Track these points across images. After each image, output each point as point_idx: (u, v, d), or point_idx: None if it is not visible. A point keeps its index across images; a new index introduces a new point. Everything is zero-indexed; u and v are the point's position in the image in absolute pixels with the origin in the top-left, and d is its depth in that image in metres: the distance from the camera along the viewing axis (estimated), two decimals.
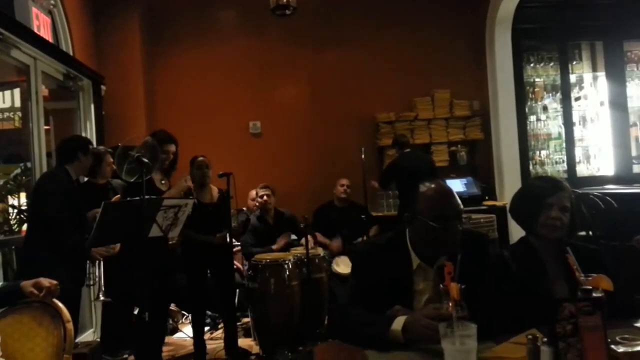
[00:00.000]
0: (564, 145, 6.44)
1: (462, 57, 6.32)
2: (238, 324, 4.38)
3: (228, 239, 3.99)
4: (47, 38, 4.25)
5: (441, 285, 1.51)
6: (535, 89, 6.52)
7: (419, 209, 1.75)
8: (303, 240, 4.16)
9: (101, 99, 5.17)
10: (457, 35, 6.30)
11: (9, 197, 4.63)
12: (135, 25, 5.76)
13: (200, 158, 4.05)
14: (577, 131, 6.48)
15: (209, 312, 4.66)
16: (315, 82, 6.28)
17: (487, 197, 5.91)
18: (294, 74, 6.29)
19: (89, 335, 4.27)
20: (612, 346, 1.28)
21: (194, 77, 6.15)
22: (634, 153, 6.55)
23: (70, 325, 1.95)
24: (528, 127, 6.39)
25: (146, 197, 2.93)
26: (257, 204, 4.79)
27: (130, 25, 5.73)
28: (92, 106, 5.06)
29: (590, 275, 1.65)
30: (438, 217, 1.70)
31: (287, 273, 3.85)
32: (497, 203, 5.78)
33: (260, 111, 6.24)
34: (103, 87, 5.22)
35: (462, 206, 1.76)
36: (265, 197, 4.68)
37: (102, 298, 3.30)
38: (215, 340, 4.36)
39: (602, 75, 6.55)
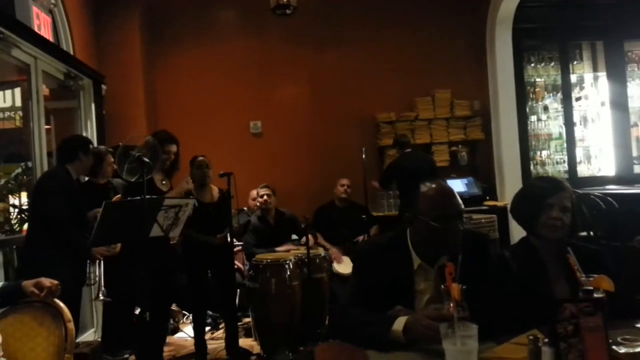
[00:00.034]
0: (564, 145, 6.44)
1: (462, 57, 6.32)
2: (239, 324, 4.39)
3: (229, 239, 3.99)
4: (47, 37, 4.25)
5: (442, 286, 1.51)
6: (536, 89, 6.51)
7: (420, 209, 1.75)
8: (304, 240, 4.15)
9: (102, 98, 5.17)
10: (458, 35, 6.30)
11: (10, 196, 4.64)
12: (136, 25, 5.76)
13: (200, 158, 4.05)
14: (578, 131, 6.47)
15: (209, 312, 4.66)
16: (316, 81, 6.27)
17: (487, 197, 5.91)
18: (294, 73, 6.29)
19: (90, 335, 4.27)
20: (613, 347, 1.28)
21: (194, 76, 6.15)
22: (634, 153, 6.54)
23: (71, 325, 1.95)
24: (529, 127, 6.38)
25: (147, 196, 2.93)
26: (258, 204, 4.79)
27: (130, 24, 5.73)
28: (93, 105, 5.06)
29: (591, 275, 1.65)
30: (439, 217, 1.70)
31: (288, 273, 3.85)
32: (498, 203, 5.78)
33: (261, 111, 6.24)
34: (104, 87, 5.22)
35: (463, 206, 1.76)
36: (265, 197, 4.68)
37: (101, 298, 3.30)
38: (216, 340, 4.36)
39: (602, 75, 6.54)
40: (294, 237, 4.81)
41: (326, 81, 6.24)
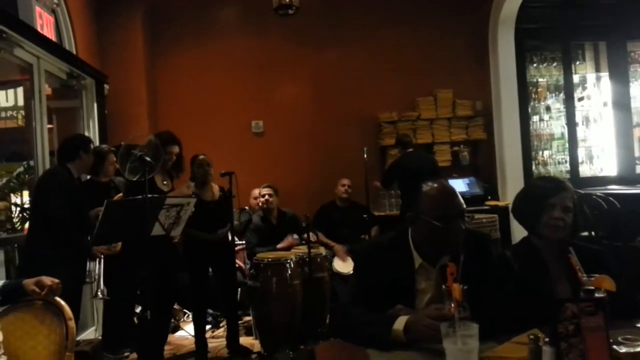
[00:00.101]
0: (566, 145, 6.43)
1: (464, 57, 6.31)
2: (240, 322, 4.39)
3: (230, 237, 3.99)
4: (50, 37, 4.26)
5: (443, 286, 1.51)
6: (538, 89, 6.50)
7: (422, 209, 1.74)
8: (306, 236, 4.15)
9: (104, 97, 5.18)
10: (460, 34, 6.29)
11: (12, 195, 4.64)
12: (138, 24, 5.77)
13: (201, 156, 4.06)
14: (580, 131, 6.46)
15: (210, 311, 4.67)
16: (318, 81, 6.27)
17: (489, 197, 5.90)
18: (296, 73, 6.29)
19: (91, 333, 4.28)
20: (614, 347, 1.28)
21: (196, 76, 6.16)
22: (637, 153, 6.53)
23: (72, 323, 1.95)
24: (531, 127, 6.38)
25: (149, 195, 2.93)
26: (260, 203, 4.79)
27: (133, 24, 5.74)
28: (95, 105, 5.08)
29: (592, 275, 1.64)
30: (441, 216, 1.70)
31: (289, 272, 3.85)
32: (500, 203, 5.77)
33: (263, 110, 6.24)
34: (106, 86, 5.23)
35: (465, 205, 1.76)
36: (267, 197, 4.68)
37: (100, 296, 3.31)
38: (216, 339, 4.36)
39: (605, 75, 6.53)
40: (296, 237, 4.81)
41: (328, 81, 6.24)
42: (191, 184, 3.95)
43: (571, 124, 6.41)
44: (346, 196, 5.27)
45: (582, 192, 4.80)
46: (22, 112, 5.21)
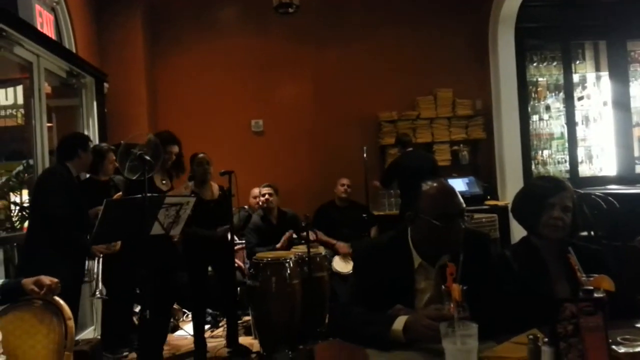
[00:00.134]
0: (566, 145, 6.43)
1: (464, 56, 6.31)
2: (239, 322, 4.39)
3: (230, 237, 3.99)
4: (50, 35, 4.26)
5: (443, 286, 1.51)
6: (538, 89, 6.50)
7: (422, 208, 1.74)
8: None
9: (104, 96, 5.18)
10: (460, 34, 6.29)
11: (11, 194, 4.64)
12: (138, 24, 5.77)
13: (201, 155, 4.06)
14: (580, 131, 6.46)
15: (209, 310, 4.66)
16: (318, 80, 6.27)
17: (489, 197, 5.90)
18: (296, 72, 6.28)
19: (90, 333, 4.28)
20: (613, 347, 1.28)
21: (196, 75, 6.16)
22: (636, 153, 6.53)
23: (71, 323, 1.95)
24: (530, 127, 6.37)
25: (148, 195, 2.93)
26: (260, 202, 4.79)
27: (132, 23, 5.74)
28: (95, 103, 5.07)
29: (592, 275, 1.64)
30: (441, 215, 1.70)
31: (288, 272, 3.85)
32: (499, 203, 5.77)
33: (263, 109, 6.24)
34: (106, 85, 5.23)
35: (464, 205, 1.76)
36: (267, 196, 4.68)
37: (98, 295, 3.30)
38: (215, 339, 4.36)
39: (605, 75, 6.53)
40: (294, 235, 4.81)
41: (328, 80, 6.24)
42: (189, 184, 3.95)
43: (571, 123, 6.41)
44: (345, 196, 5.27)
45: (582, 191, 4.80)
46: (22, 110, 5.21)
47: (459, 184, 5.74)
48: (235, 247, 4.44)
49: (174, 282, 3.74)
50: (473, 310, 1.41)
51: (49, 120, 4.36)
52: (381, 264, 1.79)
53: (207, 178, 4.04)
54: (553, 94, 6.50)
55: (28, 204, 4.29)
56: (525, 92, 6.33)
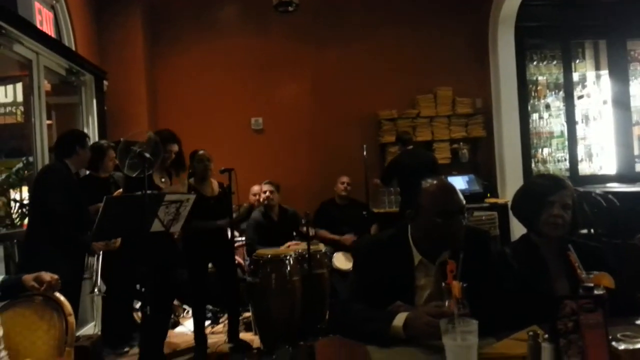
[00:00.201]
0: (566, 143, 6.43)
1: (464, 55, 6.30)
2: (239, 318, 4.39)
3: (230, 234, 4.00)
4: (49, 33, 4.25)
5: (443, 284, 1.51)
6: (538, 87, 6.50)
7: (422, 205, 1.75)
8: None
9: (103, 94, 5.17)
10: (460, 33, 6.28)
11: (11, 191, 4.64)
12: (138, 23, 5.76)
13: (201, 152, 4.07)
14: (580, 129, 6.46)
15: (209, 307, 4.67)
16: (318, 79, 6.27)
17: (489, 195, 5.90)
18: (296, 71, 6.28)
19: (90, 329, 4.28)
20: (613, 343, 1.28)
21: (196, 73, 6.15)
22: (636, 152, 6.53)
23: (72, 319, 1.96)
24: (530, 125, 6.37)
25: (148, 192, 2.94)
26: (260, 200, 4.78)
27: (132, 22, 5.73)
28: (94, 101, 5.07)
29: (592, 272, 1.65)
30: (441, 212, 1.70)
31: (288, 268, 3.85)
32: (499, 200, 5.77)
33: (262, 108, 6.23)
34: (105, 83, 5.22)
35: (464, 202, 1.76)
36: (268, 194, 4.68)
37: (97, 292, 3.30)
38: (216, 334, 4.37)
39: (605, 73, 6.53)
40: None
41: (328, 78, 6.24)
42: (186, 181, 3.96)
43: (571, 122, 6.41)
44: (345, 194, 5.27)
45: (582, 190, 4.81)
46: (22, 108, 5.20)
47: (458, 182, 5.75)
48: (235, 245, 4.44)
49: (174, 279, 3.75)
50: (473, 307, 1.41)
51: (49, 118, 4.36)
52: (381, 261, 1.80)
53: (207, 175, 4.05)
54: (553, 93, 6.50)
55: (28, 201, 4.29)
56: (525, 91, 6.33)
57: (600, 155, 6.52)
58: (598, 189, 4.89)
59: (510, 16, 6.00)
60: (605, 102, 6.52)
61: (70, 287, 2.64)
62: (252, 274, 3.94)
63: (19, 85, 5.16)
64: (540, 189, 1.92)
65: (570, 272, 1.74)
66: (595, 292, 1.42)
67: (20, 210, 4.49)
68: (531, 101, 6.42)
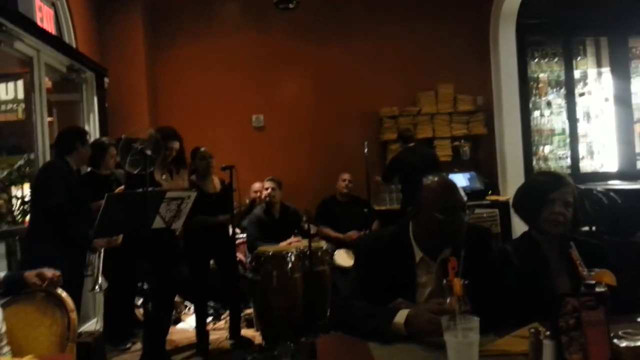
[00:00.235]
0: (567, 140, 6.42)
1: (466, 52, 6.29)
2: (241, 314, 4.40)
3: (231, 230, 4.00)
4: (50, 30, 4.25)
5: (444, 281, 1.51)
6: (539, 85, 6.49)
7: (424, 202, 1.75)
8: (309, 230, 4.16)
9: (104, 91, 5.17)
10: (461, 30, 6.27)
11: (13, 187, 4.64)
12: (138, 20, 5.75)
13: (203, 149, 4.08)
14: (581, 127, 6.45)
15: (211, 303, 4.67)
16: (319, 76, 6.26)
17: (490, 192, 5.89)
18: (297, 68, 6.27)
19: (92, 325, 4.29)
20: (615, 341, 1.28)
21: (196, 70, 6.14)
22: (638, 149, 6.52)
23: (74, 315, 1.97)
24: (532, 123, 6.37)
25: (150, 189, 2.94)
26: (263, 196, 4.78)
27: (133, 19, 5.72)
28: (95, 98, 5.07)
29: (593, 270, 1.65)
30: (443, 209, 1.70)
31: (290, 265, 3.86)
32: (500, 198, 5.77)
33: (264, 105, 6.23)
34: (106, 80, 5.22)
35: (465, 198, 1.76)
36: (270, 190, 4.68)
37: (97, 290, 3.31)
38: (217, 331, 4.38)
39: (606, 71, 6.52)
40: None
41: (329, 75, 6.23)
42: (186, 178, 3.96)
43: (572, 119, 6.41)
44: (347, 191, 5.27)
45: (583, 187, 4.80)
46: (22, 105, 5.19)
47: (460, 179, 5.74)
48: (237, 242, 4.44)
49: (175, 275, 3.76)
50: (474, 304, 1.42)
51: (50, 115, 4.36)
52: (383, 258, 1.80)
53: (210, 172, 4.07)
54: (554, 90, 6.49)
55: (29, 198, 4.29)
56: (527, 88, 6.32)
57: (601, 153, 6.51)
58: (599, 187, 4.89)
59: (512, 13, 5.98)
60: (606, 100, 6.51)
61: (72, 283, 2.64)
62: (253, 271, 3.95)
63: (20, 83, 5.15)
64: (542, 187, 1.92)
65: (571, 269, 1.75)
66: (597, 289, 1.42)
67: (21, 207, 4.49)
68: (532, 98, 6.42)
